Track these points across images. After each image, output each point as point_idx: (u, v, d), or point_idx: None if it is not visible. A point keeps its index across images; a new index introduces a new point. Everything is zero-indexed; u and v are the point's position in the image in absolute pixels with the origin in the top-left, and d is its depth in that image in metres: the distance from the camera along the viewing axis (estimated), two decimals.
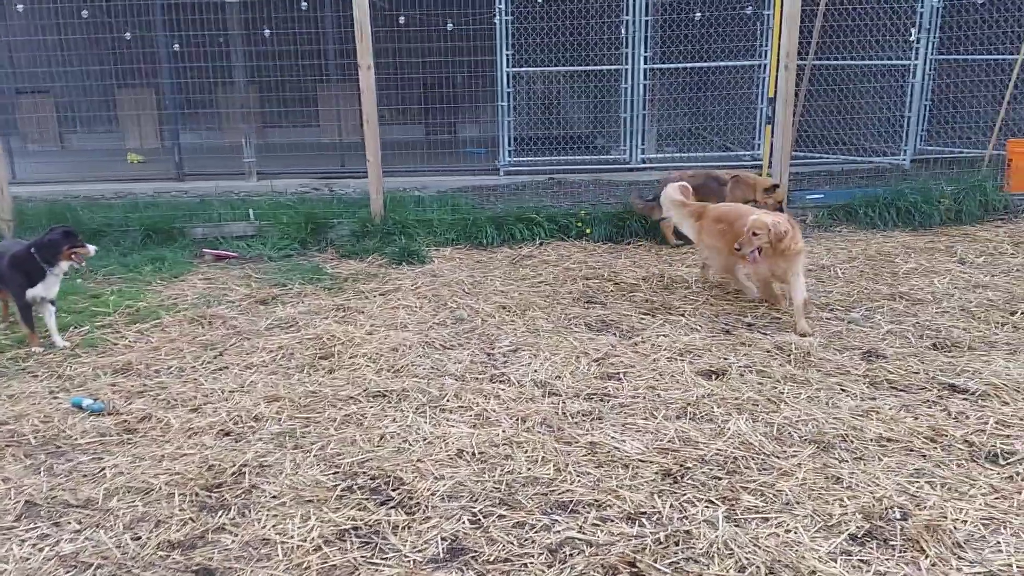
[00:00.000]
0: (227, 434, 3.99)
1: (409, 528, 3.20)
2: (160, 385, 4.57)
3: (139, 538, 3.17)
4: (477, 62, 9.42)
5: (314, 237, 7.39)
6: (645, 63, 9.46)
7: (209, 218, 7.64)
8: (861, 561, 2.95)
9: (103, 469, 3.67)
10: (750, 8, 9.64)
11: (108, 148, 11.90)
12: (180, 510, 3.35)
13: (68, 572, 2.98)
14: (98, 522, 3.27)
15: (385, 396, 4.37)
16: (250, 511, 3.33)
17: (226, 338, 5.22)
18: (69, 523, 3.27)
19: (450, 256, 7.10)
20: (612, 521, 3.23)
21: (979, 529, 3.12)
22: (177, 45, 9.42)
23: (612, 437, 3.89)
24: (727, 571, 2.91)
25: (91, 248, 5.19)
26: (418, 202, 8.00)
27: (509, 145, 9.40)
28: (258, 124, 9.86)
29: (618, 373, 4.62)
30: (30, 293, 5.05)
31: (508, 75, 9.13)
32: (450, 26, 9.02)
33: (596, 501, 3.36)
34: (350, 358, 4.87)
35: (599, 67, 9.58)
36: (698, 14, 9.44)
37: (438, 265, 6.83)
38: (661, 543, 3.07)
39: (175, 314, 5.66)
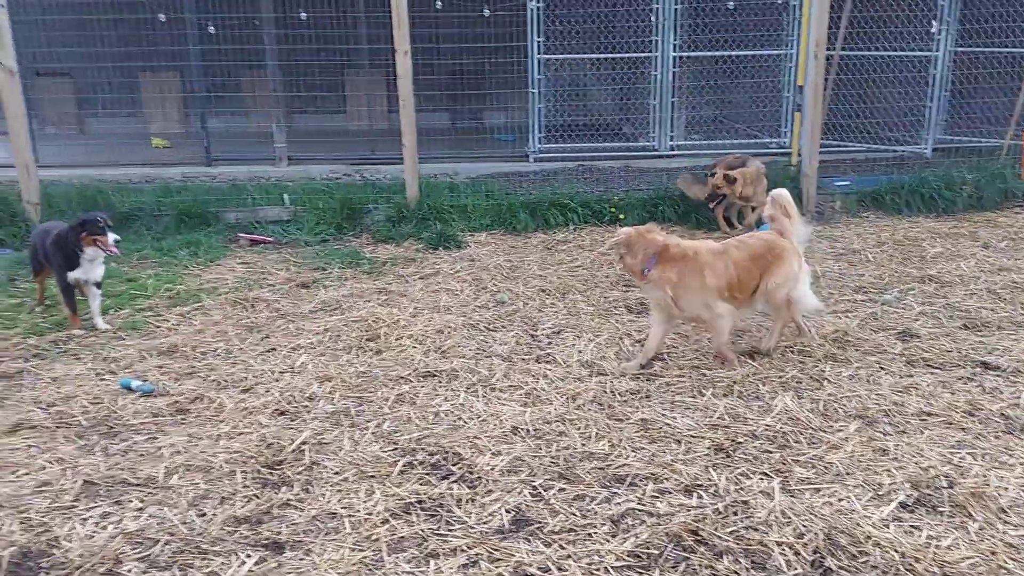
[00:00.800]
0: (282, 413, 4.05)
1: (472, 501, 3.25)
2: (208, 367, 4.62)
3: (204, 514, 3.21)
4: (506, 48, 9.43)
5: (349, 222, 7.44)
6: (675, 51, 9.46)
7: (242, 203, 7.70)
8: (912, 527, 3.04)
9: (160, 448, 3.71)
10: None
11: (130, 132, 11.80)
12: (243, 487, 3.39)
13: (135, 549, 3.00)
14: (160, 500, 3.31)
15: (435, 376, 4.42)
16: (314, 487, 3.39)
17: (271, 320, 5.29)
18: (131, 501, 3.30)
19: (485, 241, 7.15)
20: (670, 493, 3.28)
21: (1021, 495, 3.22)
22: (212, 27, 9.36)
23: (663, 414, 3.94)
24: (786, 537, 2.95)
25: (111, 237, 5.06)
26: (452, 188, 8.04)
27: (539, 132, 9.40)
28: (285, 109, 9.84)
29: (661, 353, 4.67)
30: (71, 275, 5.11)
31: (539, 62, 9.12)
32: (487, 12, 9.02)
33: (652, 475, 3.42)
34: (396, 339, 4.92)
35: (629, 55, 9.56)
36: (731, 2, 9.45)
37: (474, 250, 6.88)
38: (720, 513, 3.12)
39: (216, 297, 5.73)
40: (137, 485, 3.42)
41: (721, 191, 6.91)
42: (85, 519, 3.18)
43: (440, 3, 9.09)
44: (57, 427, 3.92)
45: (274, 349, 4.85)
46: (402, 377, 4.42)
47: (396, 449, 3.67)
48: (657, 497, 3.25)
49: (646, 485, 3.34)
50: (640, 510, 3.17)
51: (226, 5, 9.48)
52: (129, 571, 2.87)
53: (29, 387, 4.34)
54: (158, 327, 5.24)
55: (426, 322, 5.19)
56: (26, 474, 3.48)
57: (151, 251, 6.79)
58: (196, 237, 7.05)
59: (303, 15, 9.30)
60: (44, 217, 7.15)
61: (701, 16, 9.66)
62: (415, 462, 3.55)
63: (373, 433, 3.82)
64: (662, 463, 3.50)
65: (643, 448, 3.64)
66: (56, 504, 3.26)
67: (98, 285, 5.23)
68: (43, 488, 3.37)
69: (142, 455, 3.67)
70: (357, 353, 4.76)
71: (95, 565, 2.89)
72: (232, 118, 11.88)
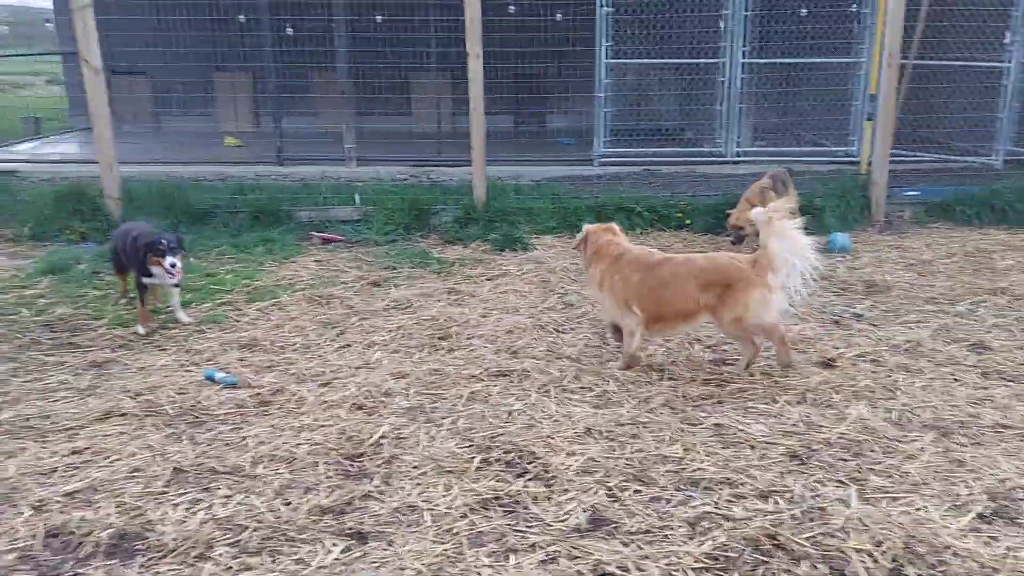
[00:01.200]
0: (360, 408, 4.15)
1: (549, 499, 3.29)
2: (287, 360, 4.77)
3: (290, 503, 3.31)
4: (572, 53, 9.48)
5: (418, 223, 7.56)
6: (743, 57, 9.37)
7: (314, 202, 7.89)
8: (991, 538, 3.01)
9: (244, 439, 3.84)
10: (854, 6, 9.49)
11: (203, 131, 12.16)
12: (326, 477, 3.50)
13: (225, 535, 3.10)
14: (247, 488, 3.42)
15: (507, 376, 4.48)
16: (393, 480, 3.47)
17: (345, 317, 5.42)
18: (219, 488, 3.41)
19: (551, 244, 7.19)
20: (746, 498, 3.28)
21: None
22: (291, 29, 9.58)
23: (736, 420, 3.93)
24: (864, 545, 2.93)
25: (167, 260, 5.04)
26: (517, 191, 8.11)
27: (604, 136, 9.41)
28: (354, 111, 10.04)
29: (733, 360, 4.66)
30: (147, 280, 5.26)
31: (606, 66, 9.13)
32: (559, 16, 9.08)
33: (727, 479, 3.42)
34: (467, 339, 5.01)
35: (696, 60, 9.50)
36: (804, 10, 9.34)
37: (541, 252, 6.94)
38: (797, 519, 3.11)
39: (293, 293, 5.90)
40: (224, 473, 3.54)
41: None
42: (176, 504, 3.30)
43: (513, 8, 9.18)
44: (146, 415, 4.07)
45: (349, 345, 4.97)
46: (474, 376, 4.49)
47: (472, 446, 3.74)
48: (733, 502, 3.26)
49: (721, 490, 3.34)
50: (717, 514, 3.17)
51: (302, 8, 9.69)
52: (220, 556, 2.98)
53: (118, 376, 4.54)
54: (237, 321, 5.42)
55: (495, 322, 5.27)
56: (119, 460, 3.63)
57: (228, 247, 7.01)
58: (270, 235, 7.24)
59: (378, 18, 9.47)
60: (124, 213, 7.45)
61: (772, 23, 9.56)
62: (491, 459, 3.61)
63: (448, 429, 3.89)
64: (737, 468, 3.49)
65: (717, 453, 3.63)
66: (148, 489, 3.40)
67: (177, 285, 5.30)
68: (135, 474, 3.52)
69: (228, 444, 3.80)
70: (429, 351, 4.85)
71: (188, 549, 3.01)
72: (301, 119, 12.18)
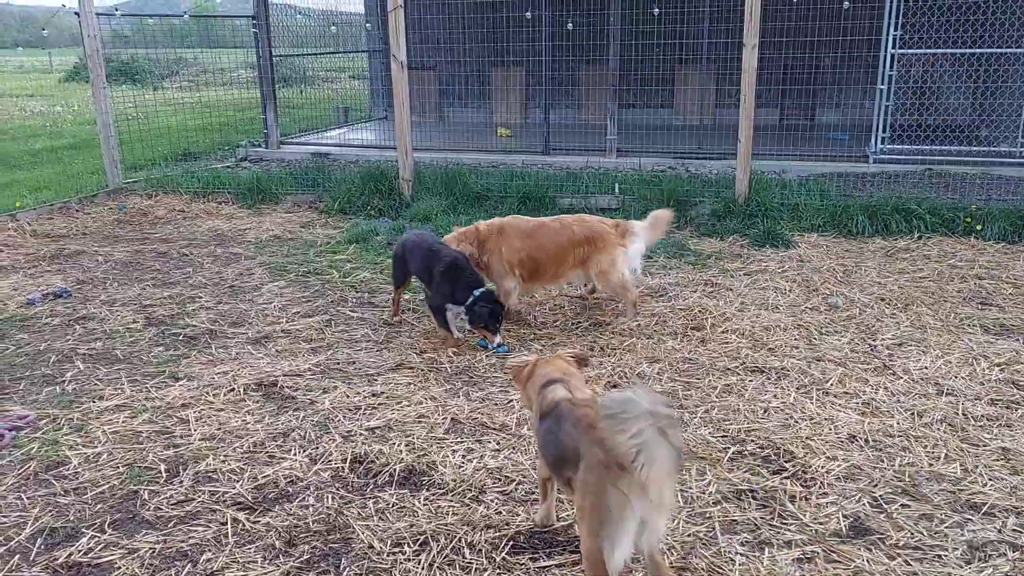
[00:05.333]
0: (614, 386, 4.35)
1: (807, 500, 3.24)
2: (548, 335, 5.11)
3: None
4: (853, 42, 8.85)
5: (675, 213, 7.59)
6: None
7: (576, 189, 8.25)
8: None
9: (510, 400, 4.20)
10: None
11: (478, 121, 13.10)
12: None
13: (495, 483, 3.44)
14: (513, 444, 3.76)
15: (763, 372, 4.43)
16: None
17: (601, 301, 5.66)
18: (490, 442, 3.79)
19: (816, 243, 6.87)
20: None
21: None
22: (571, 24, 9.98)
23: None
24: None
25: (496, 339, 4.85)
26: (783, 186, 7.82)
27: (883, 131, 8.68)
28: (618, 103, 10.25)
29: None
30: (450, 309, 4.93)
31: (892, 57, 8.40)
32: (846, 4, 8.54)
33: (1015, 508, 3.12)
34: (722, 332, 4.99)
35: (1000, 50, 8.38)
36: None
37: (804, 251, 6.65)
38: None
39: None
40: (494, 429, 3.92)
41: None
42: (455, 450, 3.72)
43: None
44: (429, 371, 4.61)
45: (608, 325, 5.20)
46: (728, 369, 4.49)
47: (725, 437, 3.77)
48: (1021, 532, 2.97)
49: (1007, 517, 3.06)
50: (1000, 542, 2.92)
51: (581, 2, 9.96)
52: (492, 500, 3.34)
53: (407, 335, 5.17)
54: None
55: (753, 318, 5.19)
56: (408, 406, 4.17)
57: None
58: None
59: (656, 10, 9.53)
60: (414, 193, 8.35)
61: None
62: (745, 452, 3.62)
63: (701, 418, 3.95)
64: None
65: (1003, 479, 3.32)
66: (431, 434, 3.87)
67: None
68: (421, 419, 4.03)
69: (496, 404, 4.19)
70: (682, 340, 4.92)
71: (464, 490, 3.40)
72: (566, 111, 12.66)
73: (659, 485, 2.27)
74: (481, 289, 4.86)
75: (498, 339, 4.87)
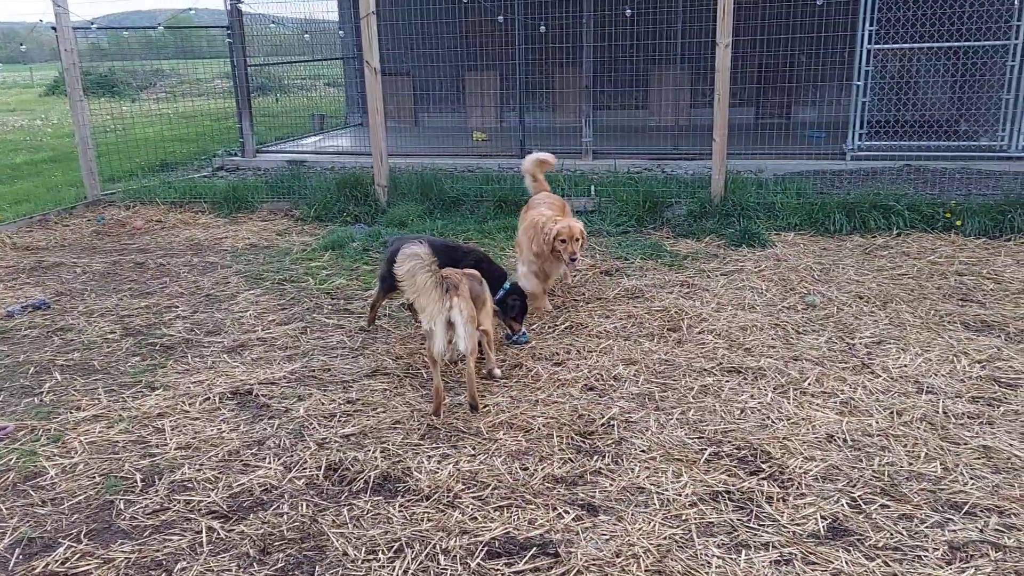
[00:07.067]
0: (591, 389, 4.31)
1: (784, 501, 3.20)
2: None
3: (527, 469, 3.55)
4: (827, 39, 8.86)
5: (650, 215, 7.59)
6: None
7: (552, 192, 8.16)
8: None
9: (487, 406, 4.15)
10: None
11: (453, 126, 13.06)
12: (560, 450, 3.69)
13: (470, 488, 3.40)
14: (489, 449, 3.71)
15: (740, 372, 4.39)
16: (623, 460, 3.57)
17: (576, 304, 5.61)
18: (465, 447, 3.74)
19: (793, 241, 6.86)
20: (1020, 530, 2.95)
21: None
22: (543, 27, 9.94)
23: (1010, 444, 3.52)
24: None
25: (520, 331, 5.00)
26: (759, 185, 7.81)
27: (860, 128, 8.69)
28: (592, 105, 10.23)
29: (1008, 378, 4.16)
30: None
31: (868, 52, 8.42)
32: (820, 0, 8.54)
33: (996, 507, 3.09)
34: (698, 332, 4.96)
35: (979, 43, 8.41)
36: None
37: (781, 249, 6.64)
38: None
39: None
40: (470, 435, 3.87)
41: None
42: (430, 456, 3.67)
43: None
44: (404, 376, 4.55)
45: (579, 328, 5.15)
46: (705, 369, 4.45)
47: (702, 438, 3.73)
48: (1003, 532, 2.94)
49: (988, 517, 3.03)
50: (982, 542, 2.88)
51: (553, 4, 9.96)
52: (468, 506, 3.28)
53: (383, 341, 5.11)
54: None
55: (729, 318, 5.16)
56: (383, 412, 4.11)
57: (474, 232, 7.54)
58: (512, 222, 7.62)
59: (628, 12, 9.51)
60: (389, 199, 8.28)
61: None
62: (721, 453, 3.58)
63: (678, 419, 3.91)
64: (1009, 496, 3.14)
65: (984, 477, 3.29)
66: (407, 440, 3.81)
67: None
68: (396, 425, 3.97)
69: (473, 408, 4.12)
70: (659, 341, 4.88)
71: (440, 495, 3.35)
72: (541, 114, 12.63)
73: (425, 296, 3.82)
74: (508, 284, 5.02)
75: (522, 329, 5.04)
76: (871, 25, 8.31)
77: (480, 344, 4.39)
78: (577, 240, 5.20)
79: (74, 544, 3.11)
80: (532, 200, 6.08)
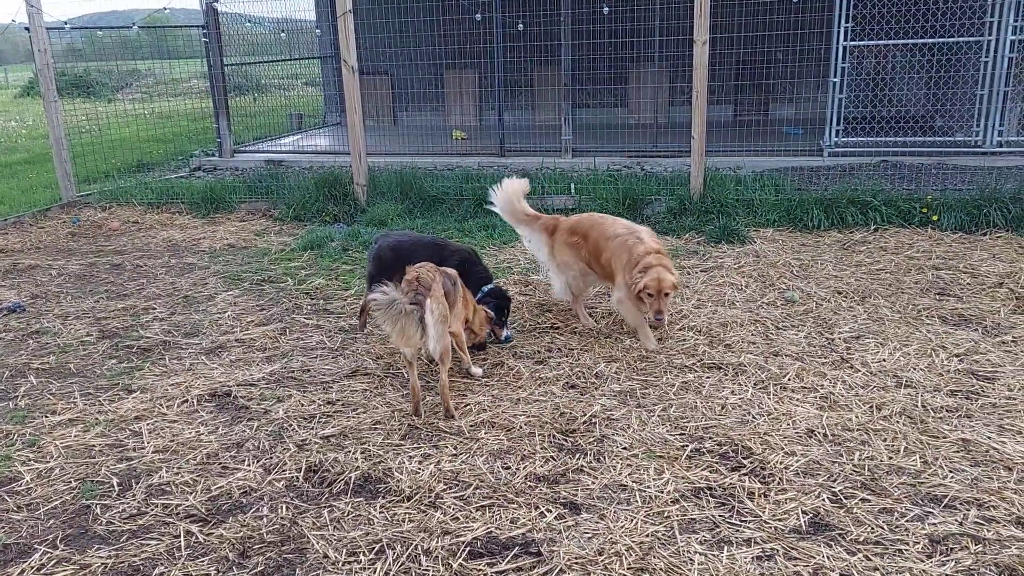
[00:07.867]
0: (572, 387, 4.30)
1: (765, 496, 3.21)
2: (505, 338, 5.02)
3: (508, 467, 3.53)
4: (804, 36, 8.91)
5: (630, 213, 7.58)
6: (1014, 34, 8.21)
7: (533, 191, 8.15)
8: None
9: (468, 405, 4.14)
10: None
11: (433, 125, 12.99)
12: (542, 448, 3.67)
13: (452, 488, 3.37)
14: (471, 449, 3.69)
15: (720, 368, 4.40)
16: (605, 458, 3.56)
17: (555, 302, 5.59)
18: (447, 447, 3.71)
19: (772, 237, 6.89)
20: (999, 522, 2.97)
21: None
22: (521, 25, 9.89)
23: (988, 437, 3.55)
24: None
25: (504, 332, 4.93)
26: (738, 181, 7.84)
27: (837, 124, 8.75)
28: (571, 103, 10.22)
29: (985, 371, 4.20)
30: None
31: (844, 49, 8.47)
32: None
33: (976, 500, 3.11)
34: (679, 329, 4.97)
35: (954, 39, 8.48)
36: None
37: (760, 246, 6.67)
38: None
39: (508, 275, 6.21)
40: (451, 434, 3.84)
41: None
42: (411, 456, 3.64)
43: None
44: (385, 376, 4.52)
45: (558, 327, 5.14)
46: (686, 366, 4.46)
47: (683, 434, 3.73)
48: (982, 524, 2.96)
49: (967, 510, 3.05)
50: (962, 535, 2.90)
51: (531, 3, 9.91)
52: (449, 506, 3.25)
53: (363, 340, 5.06)
54: None
55: (710, 314, 5.17)
56: (363, 413, 4.07)
57: (454, 231, 7.51)
58: (492, 221, 7.61)
59: (606, 9, 9.51)
60: (369, 198, 8.22)
61: None
62: (703, 449, 3.58)
63: (659, 416, 3.91)
64: (988, 489, 3.17)
65: (964, 470, 3.32)
66: (388, 441, 3.78)
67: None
68: (377, 426, 3.93)
69: (455, 407, 4.09)
70: (640, 338, 4.87)
71: (422, 496, 3.32)
72: (521, 112, 12.60)
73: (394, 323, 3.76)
74: (490, 285, 4.95)
75: (506, 332, 4.93)
76: (847, 22, 8.37)
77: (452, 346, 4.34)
78: (666, 295, 4.55)
79: (50, 550, 3.06)
80: (587, 220, 5.21)
